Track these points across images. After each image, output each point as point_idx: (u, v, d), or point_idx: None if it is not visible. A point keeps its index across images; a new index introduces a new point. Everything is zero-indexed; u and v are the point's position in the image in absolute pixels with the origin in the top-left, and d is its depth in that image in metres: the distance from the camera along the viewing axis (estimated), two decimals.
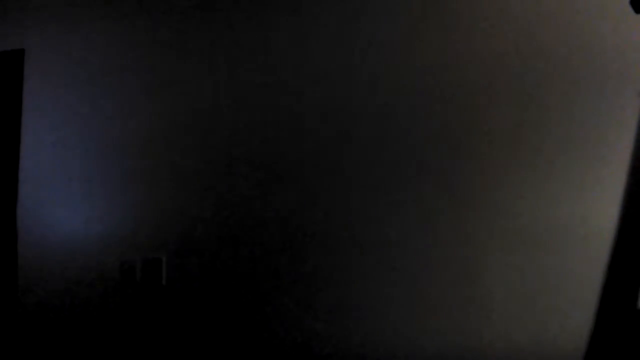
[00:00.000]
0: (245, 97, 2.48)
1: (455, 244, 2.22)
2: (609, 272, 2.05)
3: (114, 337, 2.54)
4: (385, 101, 2.33)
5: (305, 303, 2.35)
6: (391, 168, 2.31)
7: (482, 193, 2.21)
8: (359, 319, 2.30)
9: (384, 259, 2.29)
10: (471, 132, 2.24)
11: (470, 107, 2.25)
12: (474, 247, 2.20)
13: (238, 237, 2.44)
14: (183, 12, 2.58)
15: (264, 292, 2.40)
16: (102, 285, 2.57)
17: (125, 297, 2.54)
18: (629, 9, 2.11)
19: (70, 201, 2.63)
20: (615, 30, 2.13)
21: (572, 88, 2.16)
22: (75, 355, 2.58)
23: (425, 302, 2.23)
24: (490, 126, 2.23)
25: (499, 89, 2.23)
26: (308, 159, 2.39)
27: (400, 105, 2.32)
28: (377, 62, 2.35)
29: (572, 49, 2.17)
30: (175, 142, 2.54)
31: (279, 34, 2.46)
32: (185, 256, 2.50)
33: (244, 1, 2.52)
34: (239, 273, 2.43)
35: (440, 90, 2.28)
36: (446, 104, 2.27)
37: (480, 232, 2.20)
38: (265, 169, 2.43)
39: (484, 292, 2.18)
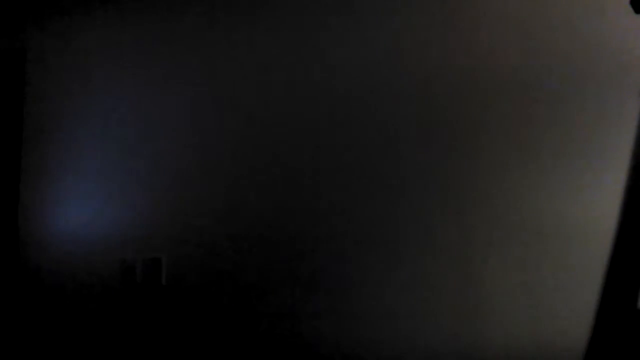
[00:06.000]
0: (246, 97, 2.49)
1: (455, 243, 2.22)
2: (609, 272, 2.05)
3: (114, 337, 2.54)
4: (385, 101, 2.33)
5: (305, 303, 2.35)
6: (391, 167, 2.31)
7: (482, 193, 2.21)
8: (358, 319, 2.29)
9: (383, 258, 2.28)
10: (471, 132, 2.24)
11: (470, 107, 2.25)
12: (474, 246, 2.20)
13: (238, 236, 2.44)
14: (185, 11, 2.59)
15: (264, 292, 2.40)
16: (102, 285, 2.57)
17: (125, 297, 2.54)
18: (629, 9, 2.11)
19: (70, 201, 2.63)
20: (615, 30, 2.13)
21: (572, 88, 2.16)
22: (75, 355, 2.58)
23: (425, 301, 2.23)
24: (490, 126, 2.23)
25: (498, 89, 2.23)
26: (309, 159, 2.39)
27: (400, 104, 2.32)
28: (377, 62, 2.35)
29: (572, 48, 2.17)
30: (175, 142, 2.54)
31: (280, 34, 2.47)
32: (185, 256, 2.50)
33: (246, 2, 2.53)
34: (239, 273, 2.43)
35: (441, 90, 2.28)
36: (446, 104, 2.27)
37: (480, 231, 2.20)
38: (266, 169, 2.43)
39: (484, 292, 2.18)
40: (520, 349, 2.13)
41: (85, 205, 2.61)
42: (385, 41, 2.35)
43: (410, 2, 2.34)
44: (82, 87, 2.67)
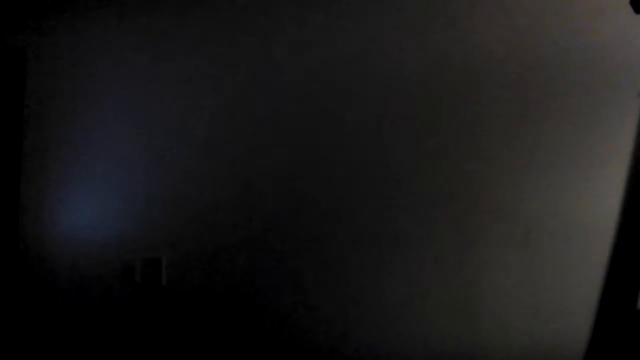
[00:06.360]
0: (248, 97, 2.49)
1: (455, 244, 2.22)
2: (609, 272, 2.05)
3: (114, 337, 2.54)
4: (384, 101, 2.33)
5: (304, 303, 2.35)
6: (390, 167, 2.31)
7: (481, 193, 2.21)
8: (358, 319, 2.29)
9: (383, 258, 2.28)
10: (470, 131, 2.24)
11: (469, 107, 2.25)
12: (474, 247, 2.20)
13: (238, 236, 2.44)
14: (185, 10, 2.59)
15: (264, 292, 2.40)
16: (102, 285, 2.57)
17: (125, 297, 2.54)
18: (629, 9, 2.11)
19: (70, 201, 2.64)
20: (615, 30, 2.13)
21: (571, 88, 2.16)
22: (76, 355, 2.58)
23: (424, 302, 2.23)
24: (489, 126, 2.23)
25: (498, 89, 2.23)
26: (308, 159, 2.39)
27: (399, 105, 2.32)
28: (377, 62, 2.35)
29: (571, 48, 2.17)
30: (175, 142, 2.55)
31: (280, 34, 2.47)
32: (185, 256, 2.50)
33: (246, 2, 2.53)
34: (239, 273, 2.43)
35: (440, 89, 2.28)
36: (446, 104, 2.27)
37: (480, 231, 2.20)
38: (265, 169, 2.43)
39: (484, 291, 2.17)
40: (520, 349, 2.12)
41: (85, 206, 2.62)
42: (385, 38, 2.35)
43: (411, 2, 2.34)
44: (82, 87, 2.67)
